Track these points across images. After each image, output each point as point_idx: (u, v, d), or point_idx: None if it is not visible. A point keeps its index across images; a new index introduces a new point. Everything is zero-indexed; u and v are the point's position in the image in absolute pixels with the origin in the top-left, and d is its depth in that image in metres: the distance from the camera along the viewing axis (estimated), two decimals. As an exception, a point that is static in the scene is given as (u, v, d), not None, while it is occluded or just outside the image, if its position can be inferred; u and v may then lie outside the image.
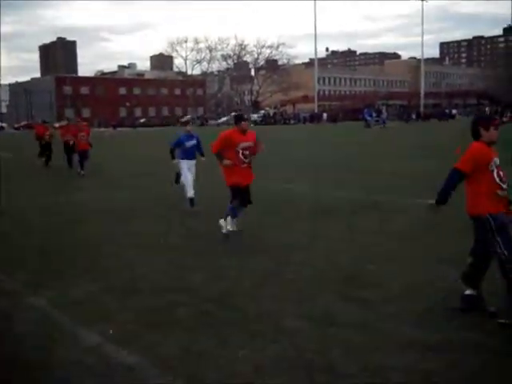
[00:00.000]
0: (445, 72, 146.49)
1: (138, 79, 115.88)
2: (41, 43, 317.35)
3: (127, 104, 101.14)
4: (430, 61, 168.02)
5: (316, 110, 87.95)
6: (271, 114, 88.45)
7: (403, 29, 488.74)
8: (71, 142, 17.41)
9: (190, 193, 9.62)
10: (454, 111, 79.78)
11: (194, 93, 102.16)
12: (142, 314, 4.88)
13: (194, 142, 9.73)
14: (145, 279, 5.89)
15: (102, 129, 65.59)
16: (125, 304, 5.15)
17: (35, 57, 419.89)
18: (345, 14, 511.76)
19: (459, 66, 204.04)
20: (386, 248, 6.86)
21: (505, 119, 57.32)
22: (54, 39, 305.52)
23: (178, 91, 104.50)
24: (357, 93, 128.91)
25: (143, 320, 4.72)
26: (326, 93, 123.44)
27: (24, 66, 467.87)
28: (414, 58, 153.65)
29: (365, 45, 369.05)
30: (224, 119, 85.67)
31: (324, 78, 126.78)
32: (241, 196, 7.42)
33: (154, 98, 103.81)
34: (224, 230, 7.57)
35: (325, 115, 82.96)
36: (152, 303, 5.12)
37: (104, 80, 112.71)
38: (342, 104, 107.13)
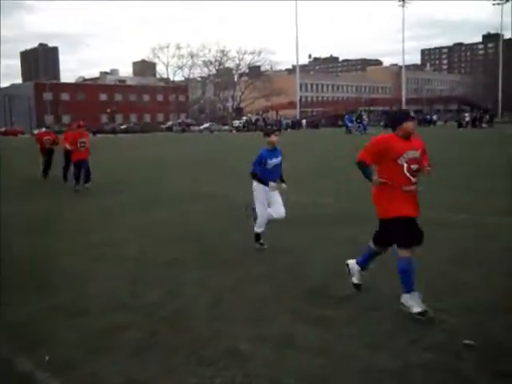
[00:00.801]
0: (426, 78, 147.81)
1: (120, 85, 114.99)
2: (22, 49, 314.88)
3: (108, 110, 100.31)
4: (411, 67, 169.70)
5: (298, 116, 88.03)
6: (253, 121, 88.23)
7: (385, 35, 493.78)
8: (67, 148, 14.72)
9: (260, 228, 7.32)
10: (434, 117, 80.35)
11: (177, 99, 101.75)
12: (87, 337, 4.51)
13: (278, 159, 7.26)
14: (97, 297, 5.51)
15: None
16: (70, 325, 4.78)
17: (17, 63, 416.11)
18: (327, 20, 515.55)
19: (440, 72, 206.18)
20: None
21: (484, 125, 57.88)
22: (36, 45, 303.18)
23: (160, 97, 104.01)
24: (339, 99, 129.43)
25: (86, 344, 4.35)
26: (309, 99, 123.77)
27: (6, 73, 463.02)
28: (396, 64, 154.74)
29: (347, 52, 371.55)
30: (206, 125, 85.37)
31: (306, 85, 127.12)
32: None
33: (136, 104, 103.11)
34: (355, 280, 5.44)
35: (304, 121, 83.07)
36: (99, 325, 4.75)
37: (85, 86, 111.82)
38: (325, 110, 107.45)
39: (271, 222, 7.35)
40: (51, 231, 8.92)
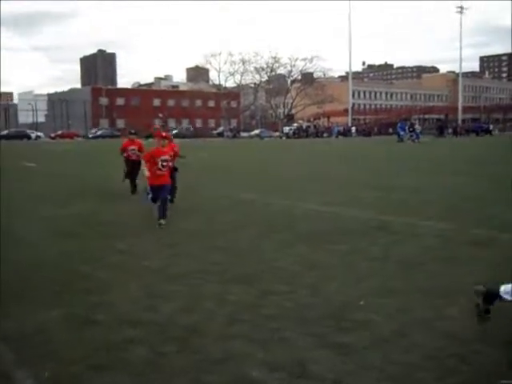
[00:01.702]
0: (484, 86, 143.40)
1: (173, 91, 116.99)
2: (82, 55, 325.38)
3: (160, 115, 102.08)
4: (469, 75, 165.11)
5: (350, 124, 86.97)
6: (304, 127, 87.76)
7: (442, 42, 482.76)
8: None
9: None
10: (491, 126, 77.66)
11: (228, 105, 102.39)
12: (92, 351, 4.28)
13: None
14: (109, 308, 5.30)
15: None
16: (77, 338, 4.58)
17: (77, 68, 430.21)
18: (382, 26, 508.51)
19: (500, 80, 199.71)
20: (385, 278, 6.13)
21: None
22: (95, 51, 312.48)
23: (211, 103, 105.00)
24: (393, 107, 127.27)
25: (90, 359, 4.13)
26: (362, 106, 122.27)
27: (65, 77, 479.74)
28: (453, 72, 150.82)
29: (402, 59, 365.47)
30: (257, 131, 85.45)
31: (359, 92, 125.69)
32: None
33: (188, 109, 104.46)
34: None
35: (353, 129, 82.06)
36: (106, 339, 4.52)
37: (139, 91, 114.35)
38: (377, 118, 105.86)
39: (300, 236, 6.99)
40: (80, 235, 8.84)
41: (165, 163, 9.52)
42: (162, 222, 9.24)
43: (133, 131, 15.19)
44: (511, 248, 7.65)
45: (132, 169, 13.61)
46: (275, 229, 9.13)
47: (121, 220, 10.32)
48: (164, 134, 10.63)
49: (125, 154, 14.06)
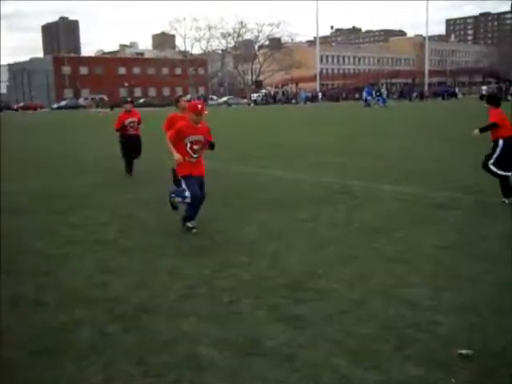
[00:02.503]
0: (450, 49, 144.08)
1: (138, 58, 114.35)
2: (43, 23, 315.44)
3: (126, 84, 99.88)
4: (435, 38, 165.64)
5: (318, 89, 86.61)
6: (272, 94, 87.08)
7: (409, 6, 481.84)
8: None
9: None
10: (456, 90, 78.19)
11: (195, 72, 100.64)
12: (34, 335, 4.02)
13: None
14: (58, 287, 5.02)
15: (100, 109, 64.31)
16: (22, 321, 4.31)
17: (38, 37, 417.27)
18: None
19: (465, 43, 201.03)
20: (346, 245, 5.99)
21: (510, 97, 55.99)
22: (57, 19, 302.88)
23: (178, 71, 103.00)
24: (361, 71, 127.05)
25: (32, 345, 3.86)
26: (330, 71, 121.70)
27: (27, 47, 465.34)
28: (420, 35, 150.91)
29: (371, 23, 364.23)
30: (224, 99, 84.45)
31: (327, 56, 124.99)
32: None
33: (155, 77, 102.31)
34: None
35: (320, 94, 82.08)
36: (51, 321, 4.26)
37: (103, 59, 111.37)
38: (345, 83, 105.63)
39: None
40: (34, 210, 8.45)
41: (196, 146, 6.74)
42: (194, 224, 6.78)
43: (129, 99, 12.73)
44: (474, 209, 7.61)
45: (132, 148, 11.55)
46: (236, 197, 8.92)
47: (76, 193, 9.93)
48: (200, 105, 6.87)
49: (121, 131, 11.63)
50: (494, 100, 8.10)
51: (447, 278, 4.91)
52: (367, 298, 4.45)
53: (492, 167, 7.81)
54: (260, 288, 4.78)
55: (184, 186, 6.63)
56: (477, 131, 7.97)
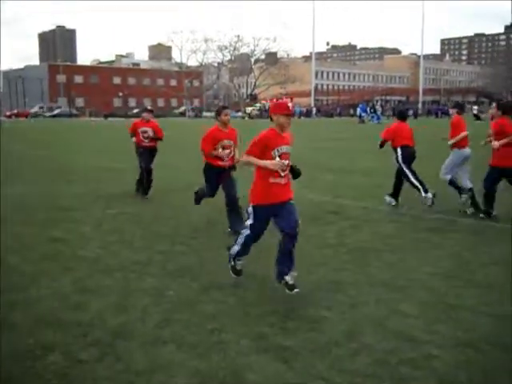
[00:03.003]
0: (444, 69, 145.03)
1: (133, 69, 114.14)
2: (40, 31, 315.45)
3: (120, 94, 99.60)
4: (430, 57, 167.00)
5: (312, 105, 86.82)
6: (267, 108, 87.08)
7: (405, 25, 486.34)
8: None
9: None
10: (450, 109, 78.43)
11: (191, 84, 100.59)
12: (1, 362, 3.72)
13: None
14: (30, 307, 4.71)
15: (93, 118, 64.03)
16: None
17: (34, 44, 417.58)
18: (347, 7, 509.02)
19: (459, 63, 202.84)
20: (338, 269, 5.72)
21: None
22: (54, 27, 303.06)
23: (174, 82, 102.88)
24: (355, 88, 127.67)
25: (-4, 372, 3.57)
26: (325, 87, 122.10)
27: (23, 54, 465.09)
28: (415, 54, 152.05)
29: (367, 40, 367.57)
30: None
31: (322, 72, 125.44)
32: None
33: (150, 88, 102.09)
34: None
35: (314, 110, 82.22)
36: (17, 345, 3.95)
37: (98, 69, 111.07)
38: (340, 99, 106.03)
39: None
40: (13, 221, 8.12)
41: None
42: (291, 277, 4.88)
43: (149, 107, 11.39)
44: (471, 233, 7.38)
45: (144, 161, 10.37)
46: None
47: (60, 204, 9.60)
48: (290, 103, 5.28)
49: (134, 139, 10.56)
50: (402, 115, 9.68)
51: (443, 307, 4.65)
52: (359, 329, 4.18)
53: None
54: (246, 314, 4.50)
55: (251, 219, 5.07)
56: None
